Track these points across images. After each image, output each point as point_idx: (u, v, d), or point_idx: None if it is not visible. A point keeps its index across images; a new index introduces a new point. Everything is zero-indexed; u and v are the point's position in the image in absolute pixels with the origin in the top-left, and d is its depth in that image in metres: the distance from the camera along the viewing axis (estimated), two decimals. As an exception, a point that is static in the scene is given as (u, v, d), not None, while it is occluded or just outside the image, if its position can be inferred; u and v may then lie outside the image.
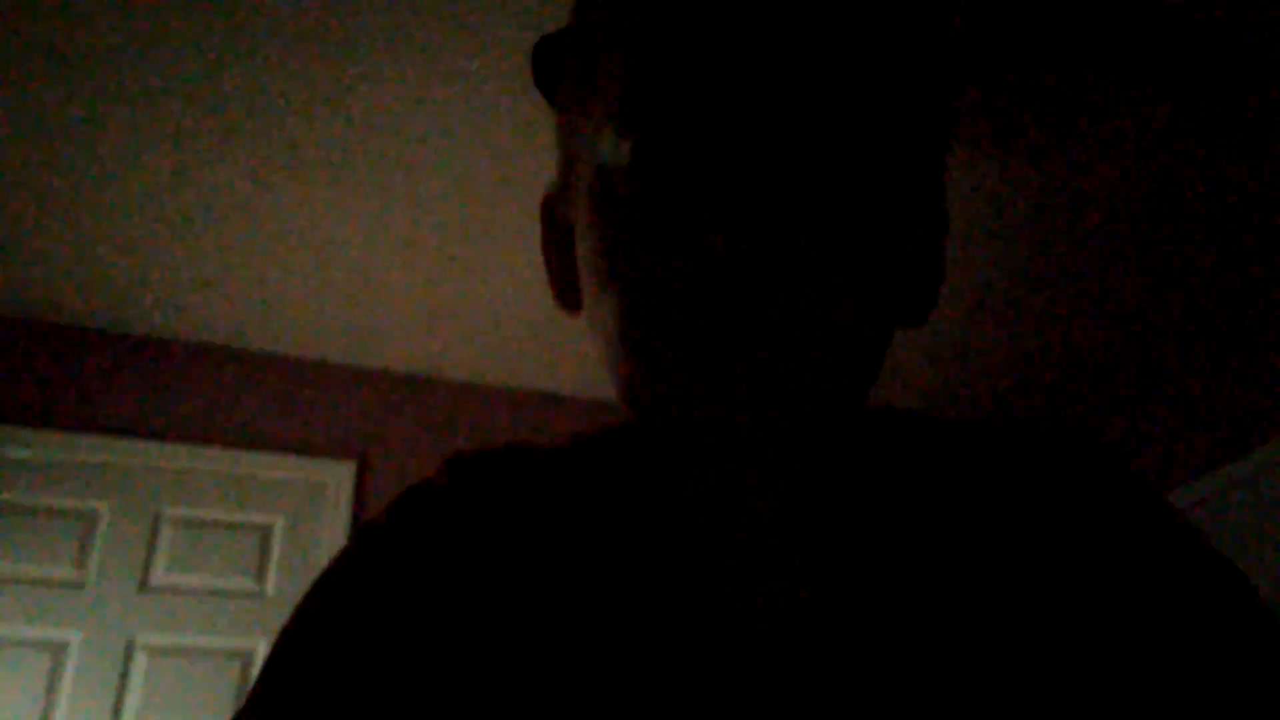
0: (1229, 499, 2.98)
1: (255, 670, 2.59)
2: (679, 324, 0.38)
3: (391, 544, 0.47)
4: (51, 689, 2.42)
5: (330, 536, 2.77)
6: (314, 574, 2.72)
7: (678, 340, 0.38)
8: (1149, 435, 3.31)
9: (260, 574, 2.71)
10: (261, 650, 2.62)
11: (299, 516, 2.79)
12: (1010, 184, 2.46)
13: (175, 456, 2.72)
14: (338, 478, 2.84)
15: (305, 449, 2.88)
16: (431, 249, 2.56)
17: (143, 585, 2.59)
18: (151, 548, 2.64)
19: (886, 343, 0.42)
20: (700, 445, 0.40)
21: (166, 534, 2.67)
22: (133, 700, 2.47)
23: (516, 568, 0.46)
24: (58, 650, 2.47)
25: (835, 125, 0.38)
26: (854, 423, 0.48)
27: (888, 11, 0.40)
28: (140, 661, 2.52)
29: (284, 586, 2.70)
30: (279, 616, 2.65)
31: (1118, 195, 2.50)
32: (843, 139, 0.38)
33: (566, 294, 0.49)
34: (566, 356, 3.06)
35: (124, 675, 2.48)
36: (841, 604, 0.43)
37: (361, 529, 0.49)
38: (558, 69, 0.48)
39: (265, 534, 2.76)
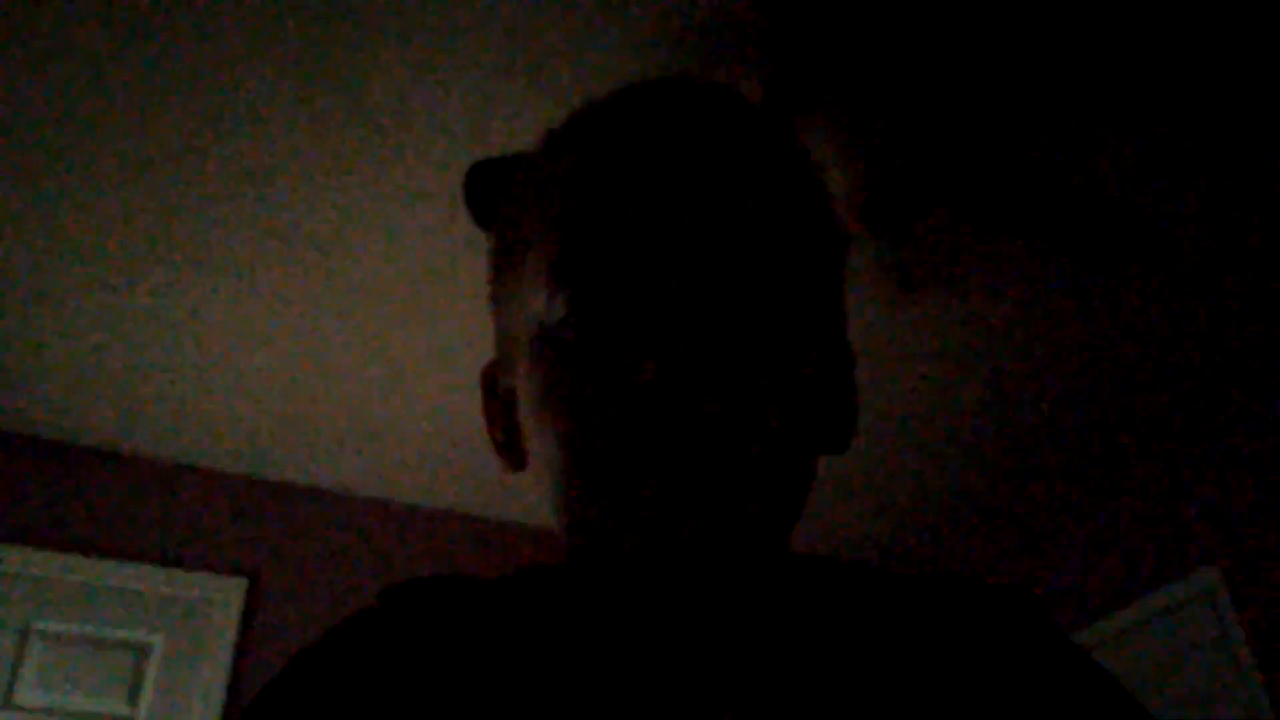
0: (1120, 645, 3.06)
1: (118, 802, 2.41)
2: (615, 458, 0.41)
3: (328, 672, 0.47)
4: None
5: (214, 658, 2.62)
6: (191, 697, 2.57)
7: (613, 474, 0.41)
8: (1042, 580, 3.39)
9: (134, 697, 2.55)
10: (128, 780, 2.44)
11: (180, 635, 2.65)
12: (908, 332, 2.57)
13: (46, 565, 2.57)
14: (226, 594, 2.72)
15: (191, 562, 2.75)
16: (344, 360, 2.54)
17: (5, 705, 2.41)
18: (18, 664, 2.46)
19: (811, 470, 0.46)
20: (636, 577, 0.43)
21: (35, 649, 2.50)
22: (-20, 834, 2.27)
23: (455, 697, 0.46)
24: (-99, 776, 2.27)
25: (745, 272, 0.43)
26: (782, 558, 0.50)
27: (783, 177, 0.47)
28: (-4, 789, 2.33)
29: (159, 711, 2.54)
30: (150, 743, 2.49)
31: (1011, 345, 2.63)
32: (752, 284, 0.43)
33: (511, 455, 0.53)
34: (477, 476, 3.03)
35: (-26, 805, 2.29)
36: None
37: (295, 657, 0.50)
38: (491, 195, 0.52)
39: (142, 653, 2.60)
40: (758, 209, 0.44)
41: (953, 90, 1.98)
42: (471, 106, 1.93)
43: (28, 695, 2.45)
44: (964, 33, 1.88)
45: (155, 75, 1.82)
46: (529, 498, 3.15)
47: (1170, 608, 2.94)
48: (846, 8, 1.79)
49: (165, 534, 2.76)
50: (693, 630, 0.45)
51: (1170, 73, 1.96)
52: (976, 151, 1.76)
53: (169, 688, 2.58)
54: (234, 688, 2.62)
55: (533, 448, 0.47)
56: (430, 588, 0.52)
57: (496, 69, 1.86)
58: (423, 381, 2.62)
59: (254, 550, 2.84)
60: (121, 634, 2.60)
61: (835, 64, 1.78)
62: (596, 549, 0.43)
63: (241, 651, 2.67)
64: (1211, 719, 2.77)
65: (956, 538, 3.49)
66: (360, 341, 2.47)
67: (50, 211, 2.07)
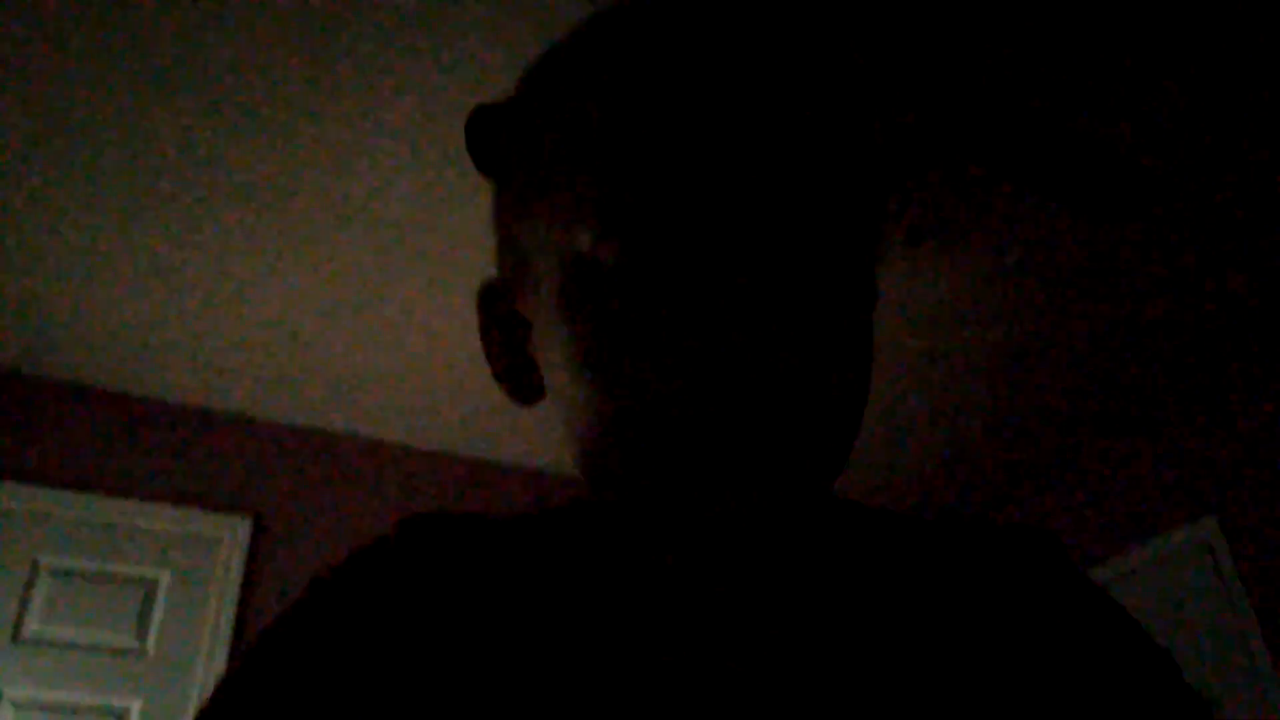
0: (1118, 591, 3.09)
1: (128, 732, 2.47)
2: (671, 411, 0.39)
3: (345, 598, 0.47)
4: (-96, 745, 2.27)
5: (220, 594, 2.67)
6: (198, 632, 2.62)
7: (669, 427, 0.39)
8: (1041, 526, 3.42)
9: (141, 631, 2.60)
10: (138, 710, 2.49)
11: (187, 572, 2.69)
12: (912, 284, 2.56)
13: (56, 502, 2.60)
14: (231, 532, 2.75)
15: (197, 501, 2.79)
16: (346, 304, 2.54)
17: (15, 636, 2.46)
18: (26, 597, 2.51)
19: (860, 417, 0.44)
20: (679, 523, 0.42)
21: (43, 583, 2.54)
22: (-6, 759, 2.33)
23: (474, 628, 0.46)
24: (-85, 703, 2.32)
25: (803, 204, 0.41)
26: (826, 503, 0.50)
27: (832, 95, 0.43)
28: (7, 716, 2.37)
29: (166, 645, 2.59)
30: (159, 676, 2.54)
31: (1014, 297, 2.62)
32: (809, 228, 0.41)
33: (519, 386, 0.49)
34: (477, 418, 3.05)
35: (-12, 731, 2.34)
36: (809, 686, 0.44)
37: (313, 582, 0.49)
38: (496, 141, 0.49)
39: (149, 588, 2.65)
40: (811, 136, 0.41)
41: (959, 41, 1.95)
42: (468, 50, 1.90)
43: (35, 627, 2.50)
44: (975, -24, 1.85)
45: (144, 51, 1.80)
46: (527, 441, 3.17)
47: (1168, 555, 2.97)
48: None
49: (172, 473, 2.79)
50: (728, 571, 0.44)
51: (1175, 23, 1.92)
52: (983, 104, 1.74)
53: (176, 622, 2.62)
54: (240, 622, 2.67)
55: (556, 386, 0.44)
56: (447, 521, 0.50)
57: (492, 18, 1.84)
58: (423, 325, 2.62)
59: (259, 490, 2.87)
60: (129, 570, 2.64)
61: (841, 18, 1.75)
62: (636, 492, 0.42)
63: (246, 587, 2.72)
64: (1209, 665, 2.81)
65: (957, 484, 3.52)
66: (362, 286, 2.47)
67: (58, 162, 2.06)
